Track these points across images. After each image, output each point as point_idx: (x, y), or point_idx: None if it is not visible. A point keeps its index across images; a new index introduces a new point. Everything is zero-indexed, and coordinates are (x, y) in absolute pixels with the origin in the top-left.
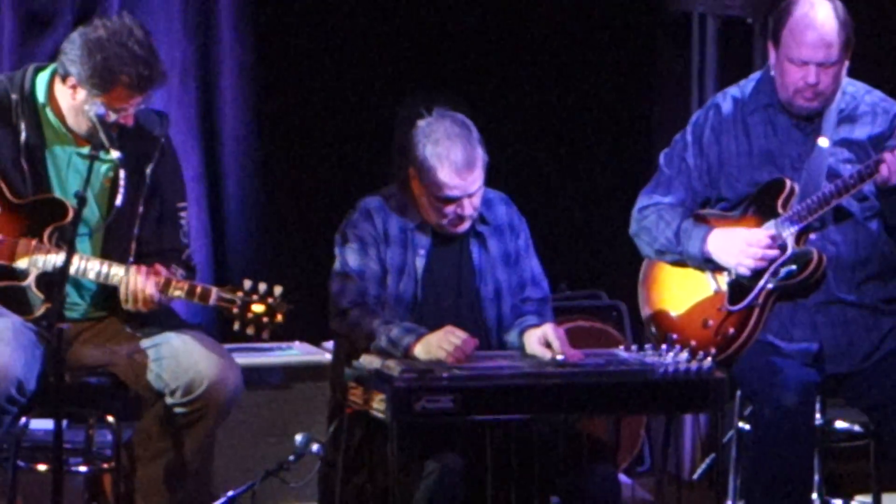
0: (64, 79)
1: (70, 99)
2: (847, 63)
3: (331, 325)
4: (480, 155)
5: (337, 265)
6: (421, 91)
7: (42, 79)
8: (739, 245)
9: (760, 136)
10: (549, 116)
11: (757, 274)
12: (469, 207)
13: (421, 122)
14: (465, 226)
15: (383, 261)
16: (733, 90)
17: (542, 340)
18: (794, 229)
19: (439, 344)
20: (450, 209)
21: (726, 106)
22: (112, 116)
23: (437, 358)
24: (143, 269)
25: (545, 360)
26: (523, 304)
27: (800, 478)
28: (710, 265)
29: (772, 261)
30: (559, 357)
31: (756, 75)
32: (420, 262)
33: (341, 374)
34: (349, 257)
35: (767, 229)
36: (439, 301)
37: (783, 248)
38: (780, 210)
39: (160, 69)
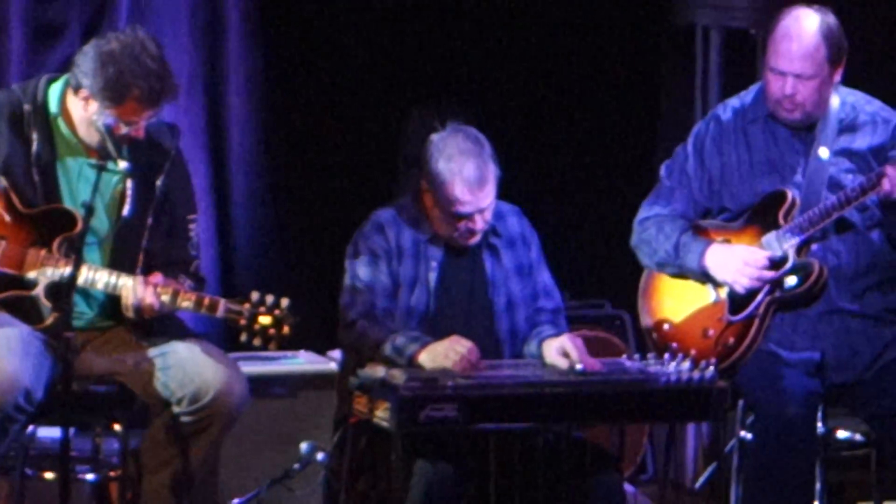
0: (76, 90)
1: (82, 111)
2: (836, 78)
3: (339, 337)
4: (492, 171)
5: (347, 278)
6: (429, 102)
7: (55, 90)
8: (737, 263)
9: (761, 146)
10: (555, 127)
11: (752, 291)
12: (480, 222)
13: (434, 137)
14: (476, 239)
15: (395, 274)
16: (733, 101)
17: (560, 350)
18: (795, 241)
19: (445, 353)
20: (461, 224)
21: (726, 117)
22: (123, 129)
23: (442, 367)
24: (141, 278)
25: (564, 369)
26: (538, 315)
27: (802, 487)
28: (708, 279)
29: (768, 281)
30: (578, 366)
31: (756, 86)
32: (433, 275)
33: (348, 384)
34: (360, 270)
35: (768, 243)
36: (452, 313)
37: (784, 259)
38: (781, 221)
39: (172, 83)
